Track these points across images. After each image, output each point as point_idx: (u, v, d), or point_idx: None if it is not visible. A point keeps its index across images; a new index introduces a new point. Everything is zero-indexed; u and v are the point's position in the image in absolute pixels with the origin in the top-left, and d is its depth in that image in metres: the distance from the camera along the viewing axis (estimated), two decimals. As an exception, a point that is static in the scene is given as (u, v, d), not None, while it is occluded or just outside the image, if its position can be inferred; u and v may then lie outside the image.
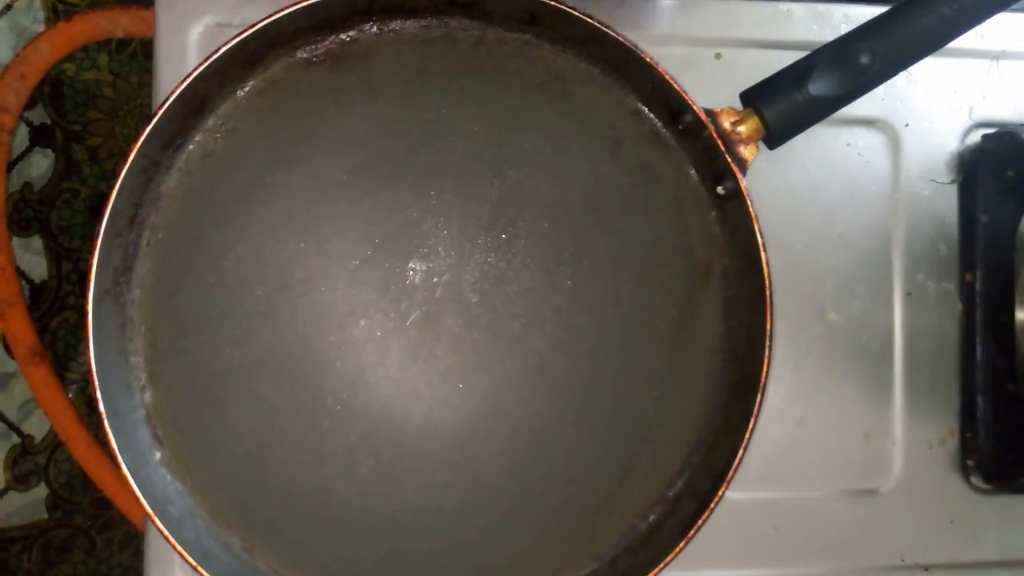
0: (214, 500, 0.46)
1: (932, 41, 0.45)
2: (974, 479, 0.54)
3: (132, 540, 1.08)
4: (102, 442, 0.48)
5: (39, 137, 1.07)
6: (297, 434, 0.47)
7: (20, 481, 1.07)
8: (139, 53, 1.08)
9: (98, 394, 0.42)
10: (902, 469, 0.53)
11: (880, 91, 0.53)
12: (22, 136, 1.07)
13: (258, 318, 0.47)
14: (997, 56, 0.56)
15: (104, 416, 0.42)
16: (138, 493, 0.42)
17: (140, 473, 0.43)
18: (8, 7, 1.07)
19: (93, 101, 1.06)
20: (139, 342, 0.46)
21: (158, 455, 0.46)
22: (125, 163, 0.43)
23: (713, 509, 0.45)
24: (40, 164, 1.08)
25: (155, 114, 0.43)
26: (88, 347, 0.43)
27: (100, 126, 1.07)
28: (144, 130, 0.43)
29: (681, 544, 0.45)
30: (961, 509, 0.54)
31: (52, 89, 1.06)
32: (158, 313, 0.46)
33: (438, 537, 0.48)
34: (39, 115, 1.07)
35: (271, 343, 0.47)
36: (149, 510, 0.42)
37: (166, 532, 0.42)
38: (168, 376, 0.46)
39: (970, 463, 0.54)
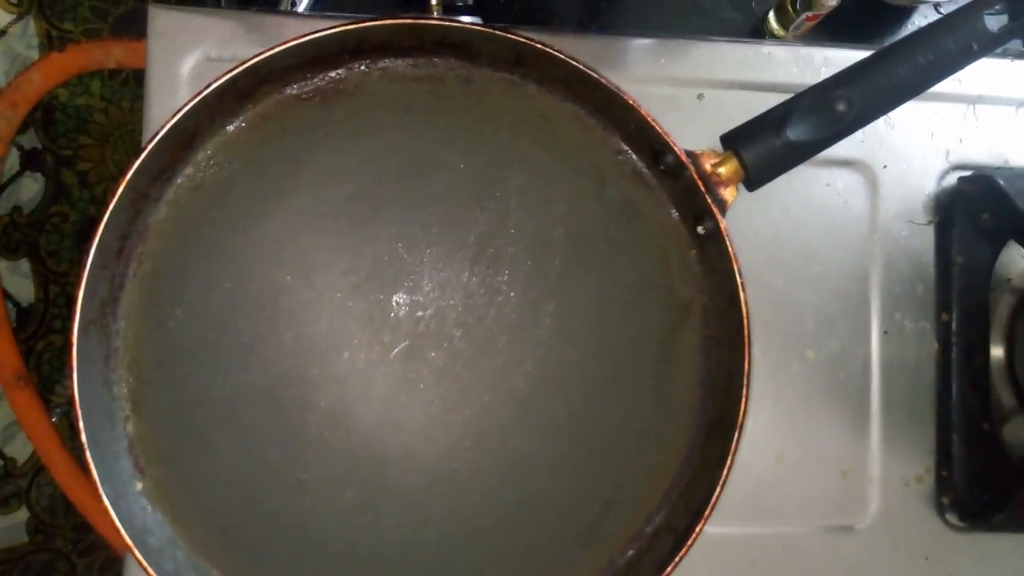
0: (194, 531, 0.46)
1: (908, 89, 0.47)
2: (949, 516, 0.54)
3: (113, 564, 1.07)
4: (84, 467, 0.48)
5: (30, 161, 1.08)
6: (279, 465, 0.47)
7: (1, 504, 1.07)
8: (131, 80, 1.09)
9: (80, 424, 0.43)
10: (878, 506, 0.54)
11: (859, 133, 0.54)
12: (13, 160, 1.07)
13: (243, 350, 0.47)
14: (974, 101, 0.57)
15: (86, 446, 0.43)
16: (118, 523, 0.42)
17: (120, 503, 0.43)
18: (2, 32, 1.08)
19: (84, 126, 1.07)
20: (123, 372, 0.46)
21: (139, 485, 0.46)
22: (113, 196, 0.43)
23: (690, 546, 0.45)
24: (30, 188, 1.08)
25: (144, 148, 0.43)
26: (72, 378, 0.43)
27: (90, 151, 1.08)
28: (133, 164, 0.43)
29: (658, 580, 0.45)
30: (936, 547, 0.54)
31: (44, 114, 1.06)
32: (143, 344, 0.46)
33: (418, 569, 0.48)
34: (30, 140, 1.07)
35: (255, 375, 0.47)
36: (128, 541, 0.42)
37: (145, 563, 0.42)
38: (152, 407, 0.46)
39: (945, 500, 0.54)
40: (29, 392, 0.60)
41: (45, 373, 1.07)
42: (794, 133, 0.46)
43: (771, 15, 0.68)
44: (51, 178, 1.07)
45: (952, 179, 0.56)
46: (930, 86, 0.48)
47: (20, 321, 1.07)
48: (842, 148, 0.51)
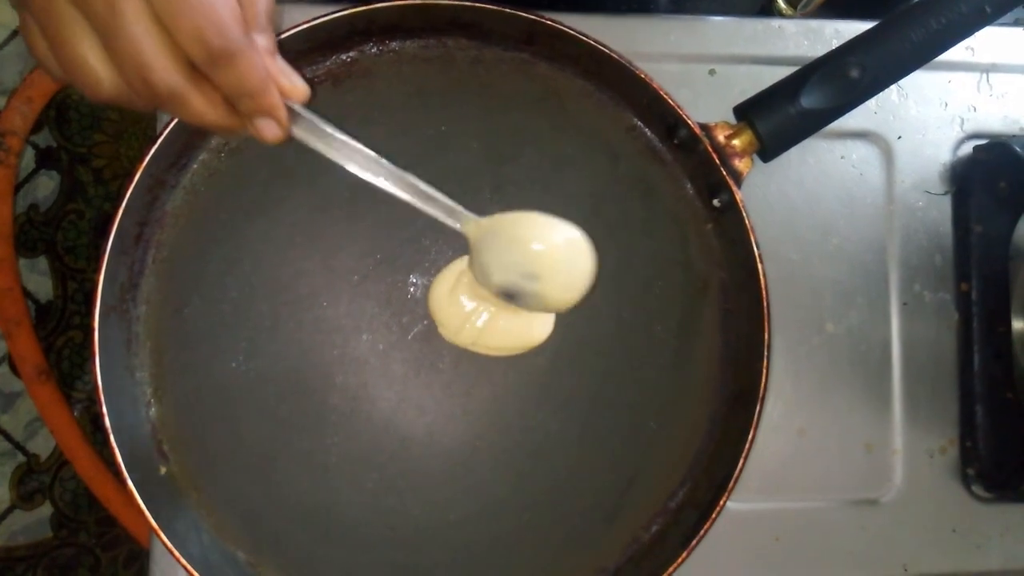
0: (219, 514, 0.46)
1: (920, 54, 0.46)
2: (975, 488, 0.54)
3: (136, 558, 1.07)
4: (107, 460, 0.48)
5: (45, 159, 1.09)
6: (302, 448, 0.47)
7: (25, 500, 1.08)
8: (144, 76, 1.09)
9: (104, 409, 0.43)
10: (903, 479, 0.53)
11: (873, 104, 0.54)
12: (28, 159, 1.08)
13: (263, 333, 0.47)
14: (987, 69, 0.56)
15: (110, 431, 0.43)
16: (143, 508, 0.42)
17: (145, 488, 0.43)
18: (15, 33, 1.09)
19: (98, 124, 1.08)
20: (145, 358, 0.46)
21: (163, 470, 0.46)
22: (131, 182, 0.44)
23: (715, 519, 0.45)
24: (46, 186, 1.09)
25: (160, 134, 0.44)
26: (94, 363, 0.43)
27: (105, 148, 1.08)
28: (149, 150, 0.44)
29: (683, 554, 0.45)
30: (963, 518, 0.54)
31: (58, 112, 1.07)
32: (163, 329, 0.46)
33: (442, 550, 0.48)
34: (45, 138, 1.08)
35: (276, 358, 0.47)
36: (154, 524, 0.43)
37: (171, 546, 0.42)
38: (173, 391, 0.46)
39: (971, 472, 0.54)
40: (51, 387, 0.61)
41: (65, 369, 1.08)
42: (808, 101, 0.46)
43: (779, -7, 0.67)
44: (66, 175, 1.08)
45: (967, 148, 0.56)
46: (943, 51, 0.47)
47: (39, 318, 1.08)
48: (856, 120, 0.51)
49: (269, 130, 0.37)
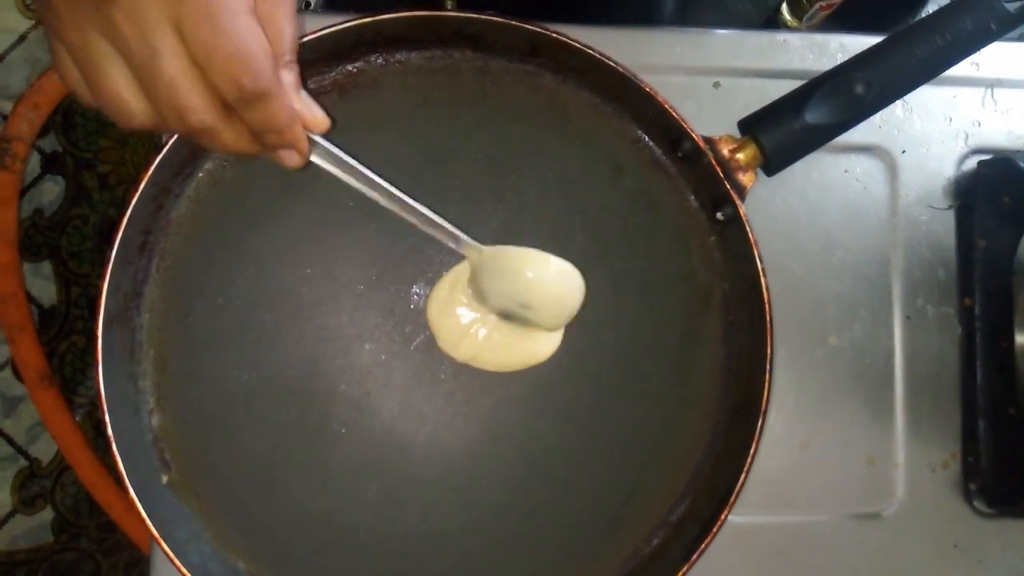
0: (220, 523, 0.46)
1: (926, 71, 0.46)
2: (977, 503, 0.54)
3: (137, 564, 1.07)
4: (109, 466, 0.48)
5: (50, 165, 1.09)
6: (303, 457, 0.47)
7: (27, 504, 1.08)
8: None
9: (106, 417, 0.43)
10: (905, 493, 0.53)
11: (877, 119, 0.54)
12: (34, 164, 1.09)
13: (266, 342, 0.47)
14: (992, 84, 0.56)
15: (112, 439, 0.43)
16: (144, 516, 0.42)
17: (147, 496, 0.43)
18: (22, 38, 1.09)
19: (104, 130, 1.08)
20: (148, 366, 0.46)
21: (165, 478, 0.46)
22: (136, 191, 0.44)
23: (716, 533, 0.45)
24: (51, 191, 1.09)
25: (166, 143, 0.44)
26: (97, 371, 0.43)
27: (110, 154, 1.09)
28: (155, 158, 0.44)
29: (685, 568, 0.45)
30: (965, 533, 0.53)
31: (64, 118, 1.08)
32: (167, 337, 0.47)
33: (442, 560, 0.48)
34: (51, 143, 1.09)
35: (278, 367, 0.47)
36: (155, 532, 0.43)
37: (171, 555, 0.42)
38: (176, 400, 0.46)
39: (973, 487, 0.53)
40: (53, 392, 0.61)
41: (68, 374, 1.08)
42: (812, 116, 0.46)
43: (784, 7, 0.67)
44: (71, 181, 1.08)
45: (971, 163, 0.56)
46: (948, 67, 0.47)
47: (43, 322, 1.08)
48: (860, 134, 0.51)
49: (291, 159, 0.39)
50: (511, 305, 0.47)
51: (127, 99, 0.33)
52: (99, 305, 0.44)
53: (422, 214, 0.44)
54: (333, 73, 0.48)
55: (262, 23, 0.33)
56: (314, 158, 0.41)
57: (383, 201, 0.44)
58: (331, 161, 0.42)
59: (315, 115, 0.39)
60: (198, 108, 0.33)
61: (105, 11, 0.31)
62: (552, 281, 0.47)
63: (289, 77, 0.36)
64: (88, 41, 0.32)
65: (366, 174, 0.43)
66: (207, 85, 0.33)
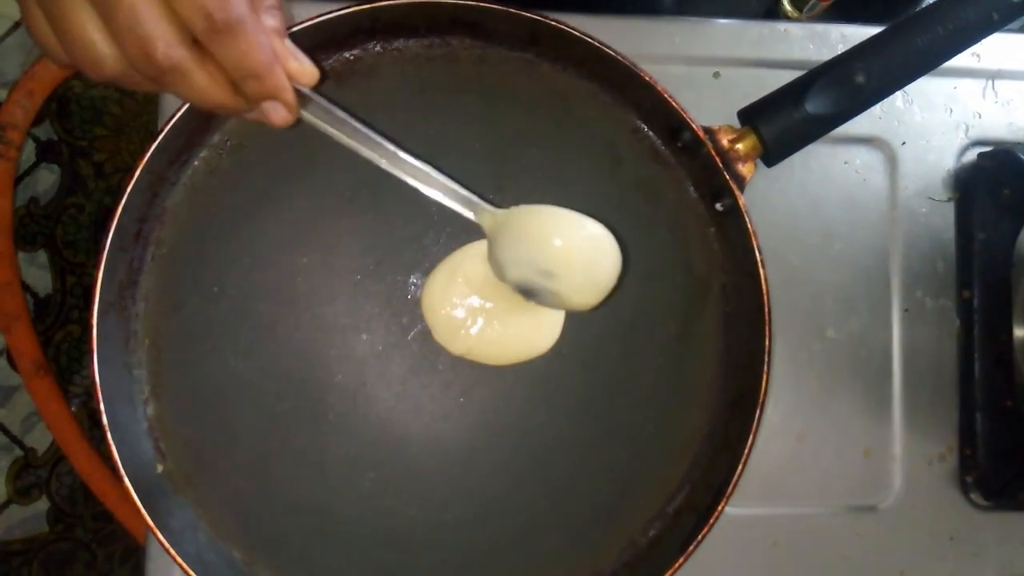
0: (215, 513, 0.46)
1: (927, 61, 0.46)
2: (973, 496, 0.54)
3: (133, 554, 1.07)
4: (104, 455, 0.48)
5: (45, 153, 1.08)
6: (299, 447, 0.47)
7: (22, 494, 1.07)
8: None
9: (101, 407, 0.43)
10: (902, 486, 0.53)
11: (877, 110, 0.54)
12: (28, 152, 1.08)
13: (262, 332, 0.47)
14: (993, 76, 0.56)
15: (107, 428, 0.43)
16: (140, 505, 0.42)
17: (142, 485, 0.43)
18: (16, 24, 1.08)
19: (100, 118, 1.07)
20: (143, 355, 0.46)
21: (160, 468, 0.46)
22: (131, 179, 0.43)
23: (713, 524, 0.45)
24: (46, 179, 1.09)
25: (161, 130, 0.44)
26: (92, 360, 0.43)
27: (106, 142, 1.08)
28: (150, 146, 0.44)
29: (681, 559, 0.45)
30: (961, 526, 0.54)
31: (59, 106, 1.07)
32: (162, 326, 0.46)
33: (439, 552, 0.48)
34: (46, 131, 1.08)
35: (274, 356, 0.47)
36: (150, 522, 0.42)
37: (167, 544, 0.42)
38: (171, 389, 0.46)
39: (969, 479, 0.53)
40: (48, 381, 0.61)
41: (63, 363, 1.07)
42: (813, 106, 0.45)
43: (785, -4, 0.67)
44: (67, 169, 1.07)
45: (971, 155, 0.55)
46: (950, 57, 0.47)
47: (38, 312, 1.08)
48: (860, 125, 0.51)
49: (276, 113, 0.36)
50: (530, 275, 0.42)
51: (94, 41, 0.31)
52: (94, 293, 0.43)
53: (430, 176, 0.41)
54: (330, 60, 0.48)
55: None
56: (307, 116, 0.38)
57: (385, 164, 0.40)
58: (326, 119, 0.38)
59: (301, 63, 0.36)
60: (163, 40, 0.31)
61: None
62: (580, 245, 0.41)
63: (271, 20, 0.34)
64: None
65: (365, 132, 0.39)
66: (174, 17, 0.31)
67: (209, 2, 0.31)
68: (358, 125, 0.39)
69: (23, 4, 0.33)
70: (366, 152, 0.40)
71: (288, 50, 0.36)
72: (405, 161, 0.41)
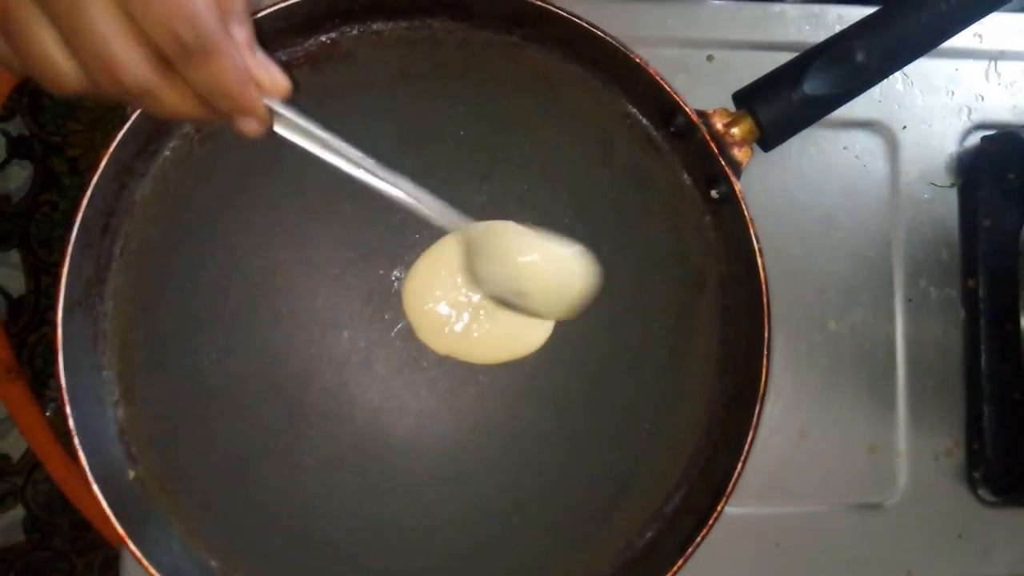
0: (191, 520, 0.44)
1: (929, 38, 0.44)
2: (982, 492, 0.52)
3: (113, 563, 1.05)
4: (74, 455, 0.46)
5: (17, 149, 1.06)
6: (278, 450, 0.45)
7: (-4, 503, 1.05)
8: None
9: (68, 409, 0.41)
10: (908, 482, 0.51)
11: (877, 93, 0.52)
12: (-1, 147, 1.06)
13: (237, 329, 0.45)
14: (995, 57, 0.55)
15: (74, 432, 0.41)
16: (110, 513, 0.41)
17: (113, 492, 0.41)
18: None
19: (73, 112, 1.05)
20: (112, 356, 0.44)
21: (132, 473, 0.44)
22: (96, 169, 0.42)
23: (712, 525, 0.43)
24: (18, 176, 1.06)
25: (129, 117, 0.42)
26: (57, 361, 0.41)
27: (80, 137, 1.06)
28: (117, 134, 0.42)
29: (680, 562, 0.43)
30: (969, 523, 0.52)
31: (31, 100, 1.05)
32: (133, 326, 0.44)
33: (427, 557, 0.46)
34: (17, 126, 1.06)
35: (251, 355, 0.45)
36: (121, 531, 0.41)
37: (139, 554, 0.41)
38: (143, 391, 0.44)
39: (977, 475, 0.52)
40: (20, 385, 0.59)
41: (38, 367, 1.05)
42: (811, 87, 0.44)
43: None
44: (40, 165, 1.05)
45: (974, 139, 0.54)
46: (953, 34, 0.45)
47: (11, 313, 1.05)
48: (859, 109, 0.50)
49: (248, 127, 0.35)
50: (504, 292, 0.44)
51: (54, 59, 0.30)
52: (58, 292, 0.41)
53: (403, 189, 0.41)
54: (306, 44, 0.46)
55: None
56: (279, 128, 0.38)
57: (359, 176, 0.40)
58: (299, 133, 0.38)
59: (273, 77, 0.35)
60: (131, 65, 0.30)
61: None
62: (548, 271, 0.43)
63: (241, 32, 0.33)
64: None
65: (338, 144, 0.39)
66: (141, 38, 0.29)
67: (179, 23, 0.29)
68: (331, 138, 0.39)
69: None
70: (339, 164, 0.40)
71: (259, 62, 0.35)
72: (377, 171, 0.41)
